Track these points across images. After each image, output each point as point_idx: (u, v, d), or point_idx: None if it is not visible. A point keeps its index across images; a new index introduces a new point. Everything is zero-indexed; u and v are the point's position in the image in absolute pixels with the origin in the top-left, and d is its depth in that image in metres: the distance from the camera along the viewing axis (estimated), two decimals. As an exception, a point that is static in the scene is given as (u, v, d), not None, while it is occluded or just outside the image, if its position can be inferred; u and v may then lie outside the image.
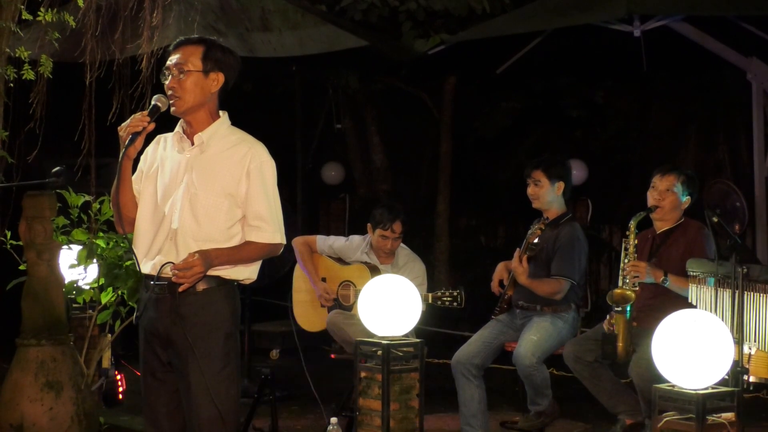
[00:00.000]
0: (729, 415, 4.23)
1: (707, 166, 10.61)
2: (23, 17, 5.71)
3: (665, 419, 4.23)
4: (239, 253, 4.03)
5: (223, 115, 4.11)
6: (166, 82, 4.02)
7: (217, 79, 4.04)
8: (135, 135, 3.94)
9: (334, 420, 5.53)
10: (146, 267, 4.04)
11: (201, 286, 3.98)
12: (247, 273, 4.10)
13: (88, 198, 6.12)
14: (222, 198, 4.00)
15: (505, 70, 8.55)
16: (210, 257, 3.93)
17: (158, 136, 4.15)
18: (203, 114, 4.06)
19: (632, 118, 11.35)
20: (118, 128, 4.00)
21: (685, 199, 5.88)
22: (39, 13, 5.68)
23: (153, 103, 4.02)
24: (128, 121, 3.98)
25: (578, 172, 9.72)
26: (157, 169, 4.10)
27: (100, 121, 6.01)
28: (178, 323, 3.97)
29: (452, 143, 10.85)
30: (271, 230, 4.05)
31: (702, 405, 4.13)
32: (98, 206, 6.09)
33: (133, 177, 4.12)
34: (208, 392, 3.94)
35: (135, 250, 4.07)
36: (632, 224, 5.75)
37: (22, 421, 5.65)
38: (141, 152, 4.10)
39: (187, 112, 4.04)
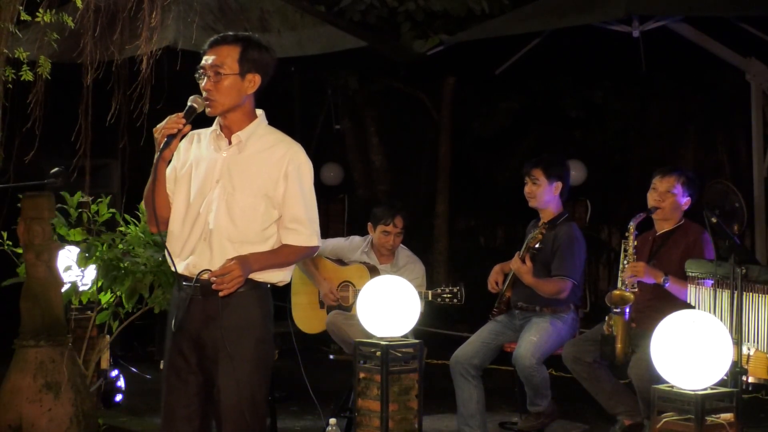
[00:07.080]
0: (728, 416, 4.23)
1: (706, 167, 10.61)
2: (22, 18, 5.70)
3: (664, 420, 4.23)
4: (277, 257, 3.98)
5: (260, 115, 4.05)
6: (202, 84, 3.95)
7: (253, 81, 3.97)
8: (170, 137, 3.87)
9: (332, 421, 5.53)
10: (179, 267, 3.97)
11: None
12: (280, 276, 4.05)
13: (86, 199, 6.11)
14: (259, 199, 3.94)
15: (504, 70, 8.53)
16: (249, 262, 3.88)
17: (191, 133, 4.04)
18: (239, 114, 3.99)
19: (631, 118, 11.34)
20: (153, 130, 3.94)
21: (686, 201, 5.88)
22: (37, 13, 5.66)
23: (189, 104, 3.94)
24: (163, 122, 3.91)
25: (577, 172, 9.71)
26: (191, 168, 4.02)
27: (100, 122, 6.00)
28: (209, 325, 3.91)
29: (451, 144, 10.83)
30: (307, 233, 4.00)
31: (701, 406, 4.14)
32: (96, 207, 6.09)
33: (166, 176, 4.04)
34: (237, 396, 3.87)
35: (168, 250, 3.99)
36: (631, 226, 5.74)
37: (21, 422, 5.64)
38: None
39: (223, 114, 3.98)
